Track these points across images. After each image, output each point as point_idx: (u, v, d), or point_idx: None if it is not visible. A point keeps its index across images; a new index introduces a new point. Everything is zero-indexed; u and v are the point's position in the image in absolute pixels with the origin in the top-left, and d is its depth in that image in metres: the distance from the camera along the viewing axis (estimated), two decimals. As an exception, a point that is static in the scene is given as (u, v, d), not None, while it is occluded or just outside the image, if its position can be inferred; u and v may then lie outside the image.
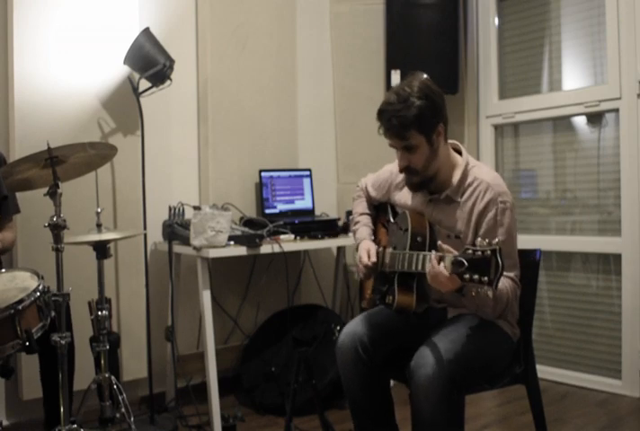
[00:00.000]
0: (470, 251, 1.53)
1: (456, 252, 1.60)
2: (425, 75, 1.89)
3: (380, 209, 2.24)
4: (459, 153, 1.97)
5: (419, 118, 1.79)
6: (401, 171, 1.91)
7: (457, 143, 1.99)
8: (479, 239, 1.55)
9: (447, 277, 1.61)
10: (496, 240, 1.51)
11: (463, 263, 1.53)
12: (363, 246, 2.10)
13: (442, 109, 1.86)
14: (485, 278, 1.50)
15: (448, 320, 1.94)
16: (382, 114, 1.84)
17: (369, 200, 2.25)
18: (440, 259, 1.64)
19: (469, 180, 1.89)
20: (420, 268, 1.78)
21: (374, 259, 2.01)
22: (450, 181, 1.91)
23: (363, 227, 2.19)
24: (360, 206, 2.26)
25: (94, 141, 2.41)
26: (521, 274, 1.88)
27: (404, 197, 2.06)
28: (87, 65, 2.75)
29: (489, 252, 1.50)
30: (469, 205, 1.87)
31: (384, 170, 2.19)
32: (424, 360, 1.72)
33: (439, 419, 1.68)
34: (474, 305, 1.83)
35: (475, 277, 1.51)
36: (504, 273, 1.54)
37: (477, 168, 1.92)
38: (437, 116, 1.84)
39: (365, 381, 1.90)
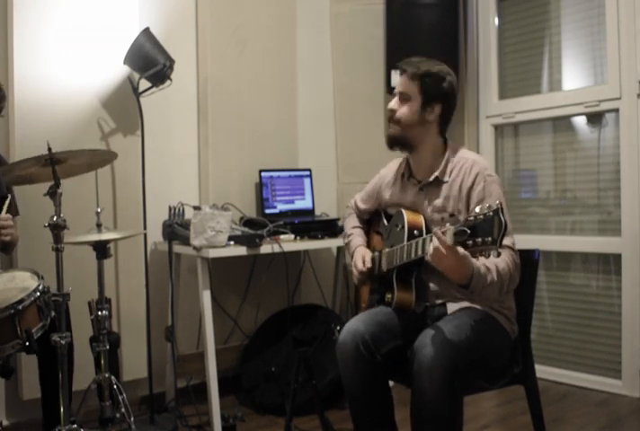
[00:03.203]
0: (472, 218, 1.53)
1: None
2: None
3: (373, 219, 2.30)
4: (445, 142, 2.06)
5: (427, 76, 1.93)
6: (389, 116, 2.01)
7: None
8: (479, 206, 1.55)
9: (449, 249, 1.60)
10: (497, 201, 1.52)
11: (465, 231, 1.52)
12: (358, 252, 2.18)
13: (448, 94, 1.96)
14: (489, 239, 1.48)
15: (448, 314, 1.95)
16: (407, 59, 2.00)
17: (360, 215, 2.35)
18: (442, 234, 1.63)
19: (455, 160, 1.99)
20: (420, 252, 1.80)
21: (369, 264, 2.10)
22: (438, 165, 1.99)
23: (356, 238, 2.27)
24: (352, 222, 2.36)
25: (96, 148, 2.41)
26: (520, 274, 1.88)
27: (396, 193, 2.13)
28: (87, 65, 2.75)
29: (491, 213, 1.49)
30: (458, 182, 1.95)
31: (370, 181, 2.28)
32: (429, 340, 1.73)
33: (440, 400, 1.67)
34: (483, 295, 1.81)
35: (479, 240, 1.50)
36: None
37: (461, 151, 2.04)
38: (440, 93, 1.95)
39: (366, 378, 1.90)
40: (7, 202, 2.12)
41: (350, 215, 2.38)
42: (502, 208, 1.48)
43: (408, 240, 1.91)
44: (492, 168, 1.99)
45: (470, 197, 1.91)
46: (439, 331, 1.76)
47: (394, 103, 2.00)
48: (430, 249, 1.67)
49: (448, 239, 1.59)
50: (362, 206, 2.31)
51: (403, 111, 1.97)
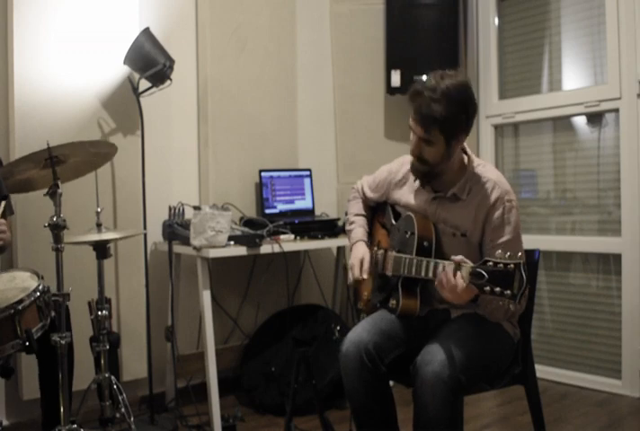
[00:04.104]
0: (491, 264, 1.51)
1: (471, 263, 1.59)
2: (468, 81, 1.88)
3: (378, 209, 2.23)
4: (464, 152, 1.98)
5: (445, 121, 1.78)
6: (413, 155, 1.90)
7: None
8: (499, 251, 1.53)
9: (463, 289, 1.60)
10: (519, 254, 1.51)
11: (483, 275, 1.51)
12: (357, 251, 2.09)
13: (470, 120, 1.85)
14: (508, 292, 1.48)
15: (451, 320, 1.93)
16: (415, 97, 1.81)
17: (365, 201, 2.26)
18: (457, 270, 1.62)
19: (475, 178, 1.91)
20: (430, 275, 1.76)
21: (365, 275, 2.01)
22: (457, 180, 1.92)
23: (358, 228, 2.19)
24: (356, 207, 2.26)
25: (95, 142, 2.40)
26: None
27: (405, 194, 2.05)
28: (87, 65, 2.75)
29: (512, 266, 1.48)
30: (476, 202, 1.89)
31: (381, 170, 2.18)
32: (431, 357, 1.71)
33: (443, 417, 1.68)
34: (487, 312, 1.82)
35: (497, 289, 1.49)
36: None
37: (482, 166, 1.96)
38: (463, 127, 1.84)
39: (369, 388, 1.88)
40: (3, 205, 2.11)
41: (355, 198, 2.28)
42: (524, 264, 1.47)
43: (417, 251, 1.86)
44: (511, 190, 1.93)
45: (487, 221, 1.86)
46: (441, 347, 1.73)
47: (416, 148, 1.86)
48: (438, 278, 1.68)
49: (464, 275, 1.58)
50: (370, 194, 2.21)
51: (428, 156, 1.85)
